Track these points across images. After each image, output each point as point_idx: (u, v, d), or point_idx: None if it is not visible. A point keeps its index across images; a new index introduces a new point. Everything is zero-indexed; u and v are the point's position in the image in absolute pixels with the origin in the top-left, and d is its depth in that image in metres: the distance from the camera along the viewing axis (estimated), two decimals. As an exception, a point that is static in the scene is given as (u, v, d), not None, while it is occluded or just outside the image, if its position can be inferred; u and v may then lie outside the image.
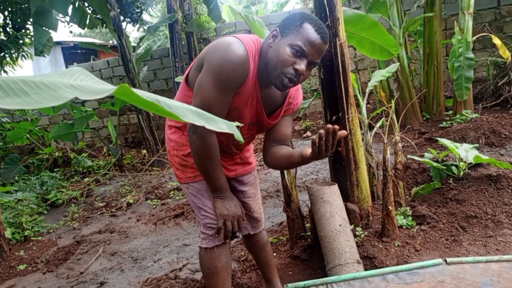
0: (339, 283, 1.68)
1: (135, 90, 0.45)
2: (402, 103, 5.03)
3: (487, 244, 2.08)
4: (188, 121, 0.49)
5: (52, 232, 3.88)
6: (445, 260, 1.64)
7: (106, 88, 0.44)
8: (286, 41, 1.34)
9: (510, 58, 4.43)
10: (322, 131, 1.21)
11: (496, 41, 4.50)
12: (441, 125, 4.75)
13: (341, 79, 2.23)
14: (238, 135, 0.59)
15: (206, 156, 1.44)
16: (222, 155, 1.64)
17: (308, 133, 6.21)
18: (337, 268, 1.90)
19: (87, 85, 0.44)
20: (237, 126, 0.60)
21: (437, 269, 1.63)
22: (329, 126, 1.21)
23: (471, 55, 4.50)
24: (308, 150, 1.33)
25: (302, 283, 1.75)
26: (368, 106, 6.48)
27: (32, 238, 3.64)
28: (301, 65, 1.33)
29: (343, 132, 1.23)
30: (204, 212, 1.60)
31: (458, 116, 4.65)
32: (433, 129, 4.73)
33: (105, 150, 7.41)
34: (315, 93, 6.53)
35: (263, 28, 2.61)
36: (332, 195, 2.10)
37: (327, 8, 2.17)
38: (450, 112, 5.00)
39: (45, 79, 0.43)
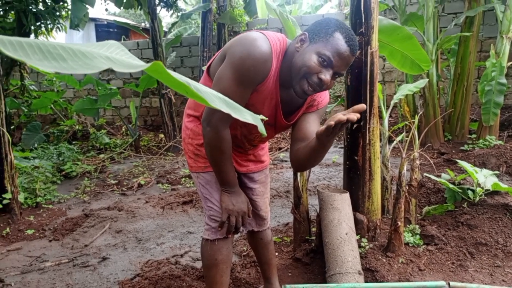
0: (338, 291, 1.67)
1: (168, 70, 0.45)
2: (425, 120, 4.94)
3: (493, 274, 2.03)
4: (215, 107, 0.50)
5: (63, 202, 3.97)
6: (449, 284, 1.61)
7: (140, 64, 0.45)
8: (314, 48, 1.30)
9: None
10: (332, 122, 1.13)
11: (531, 69, 4.38)
12: (462, 147, 4.65)
13: (368, 88, 2.20)
14: (261, 128, 0.59)
15: (217, 149, 1.44)
16: (235, 150, 1.63)
17: None
18: (338, 276, 1.89)
19: (122, 59, 0.45)
20: (261, 120, 0.60)
21: (439, 291, 1.60)
22: (341, 118, 1.11)
23: (504, 80, 4.39)
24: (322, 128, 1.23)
25: (300, 286, 1.74)
26: (390, 119, 6.39)
27: (43, 206, 3.73)
28: (326, 75, 1.30)
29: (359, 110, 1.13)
30: (210, 204, 1.60)
31: (481, 140, 4.55)
32: (453, 151, 4.63)
33: (123, 129, 7.53)
34: (338, 99, 6.47)
35: (296, 27, 2.59)
36: (342, 203, 2.09)
37: (363, 14, 2.15)
38: (474, 135, 4.89)
39: (83, 48, 0.44)
